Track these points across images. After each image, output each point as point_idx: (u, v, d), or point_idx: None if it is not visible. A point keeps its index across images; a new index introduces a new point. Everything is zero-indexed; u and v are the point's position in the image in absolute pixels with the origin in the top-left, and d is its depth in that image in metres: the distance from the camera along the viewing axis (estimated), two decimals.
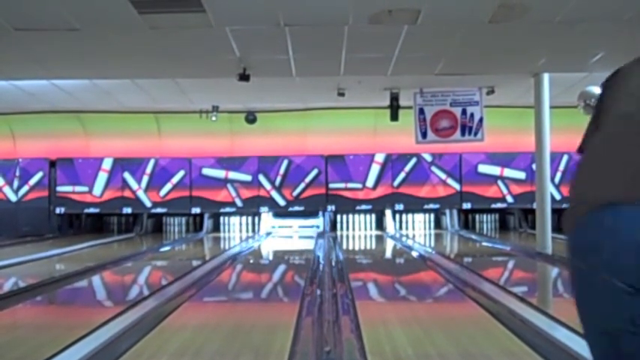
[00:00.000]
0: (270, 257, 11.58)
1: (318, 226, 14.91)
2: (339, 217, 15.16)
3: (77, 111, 13.79)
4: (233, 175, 14.66)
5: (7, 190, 14.74)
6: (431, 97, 11.48)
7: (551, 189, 10.33)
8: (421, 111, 11.50)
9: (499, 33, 7.51)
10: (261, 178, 14.65)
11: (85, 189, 14.69)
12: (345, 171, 14.62)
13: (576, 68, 9.76)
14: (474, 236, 13.55)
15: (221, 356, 4.24)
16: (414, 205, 14.68)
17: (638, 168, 1.55)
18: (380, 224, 15.08)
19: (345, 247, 12.29)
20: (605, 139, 1.66)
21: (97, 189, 14.70)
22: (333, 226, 15.08)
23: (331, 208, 14.72)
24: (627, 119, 1.62)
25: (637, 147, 1.57)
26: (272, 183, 14.65)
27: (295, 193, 14.63)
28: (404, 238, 13.50)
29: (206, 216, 15.19)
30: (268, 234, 14.64)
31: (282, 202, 14.67)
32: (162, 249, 12.44)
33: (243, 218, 15.28)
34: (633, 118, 1.60)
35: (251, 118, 13.87)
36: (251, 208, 14.76)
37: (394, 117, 12.04)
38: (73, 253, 11.03)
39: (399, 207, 14.70)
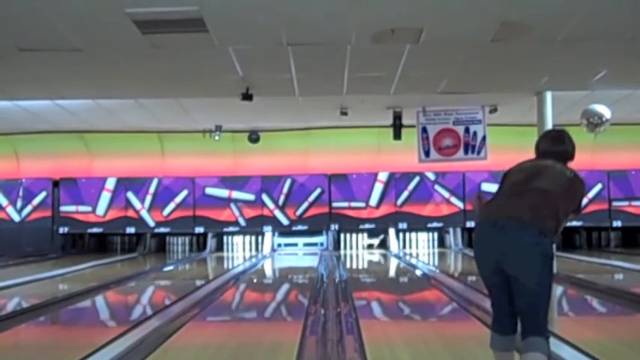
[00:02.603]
0: (274, 276, 11.53)
1: (322, 244, 14.89)
2: (342, 235, 15.13)
3: (80, 131, 13.84)
4: (236, 194, 14.66)
5: (10, 210, 14.76)
6: (434, 116, 11.50)
7: None
8: (424, 130, 11.51)
9: (501, 52, 7.54)
10: (265, 197, 14.64)
11: (89, 209, 14.69)
12: (349, 190, 14.60)
13: (579, 86, 9.78)
14: None
15: None
16: (418, 223, 14.65)
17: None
18: (383, 243, 15.04)
19: (348, 265, 12.25)
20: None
21: (101, 209, 14.70)
22: (337, 244, 15.06)
23: (335, 227, 14.69)
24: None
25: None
26: (275, 202, 14.64)
27: (299, 213, 14.61)
28: (408, 257, 13.45)
29: (209, 235, 15.16)
30: (273, 252, 14.62)
31: (285, 222, 14.64)
32: (166, 268, 12.40)
33: (247, 237, 15.26)
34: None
35: (254, 137, 13.90)
36: (254, 227, 14.73)
37: (397, 136, 12.05)
38: (77, 273, 10.99)
39: (403, 226, 14.67)
